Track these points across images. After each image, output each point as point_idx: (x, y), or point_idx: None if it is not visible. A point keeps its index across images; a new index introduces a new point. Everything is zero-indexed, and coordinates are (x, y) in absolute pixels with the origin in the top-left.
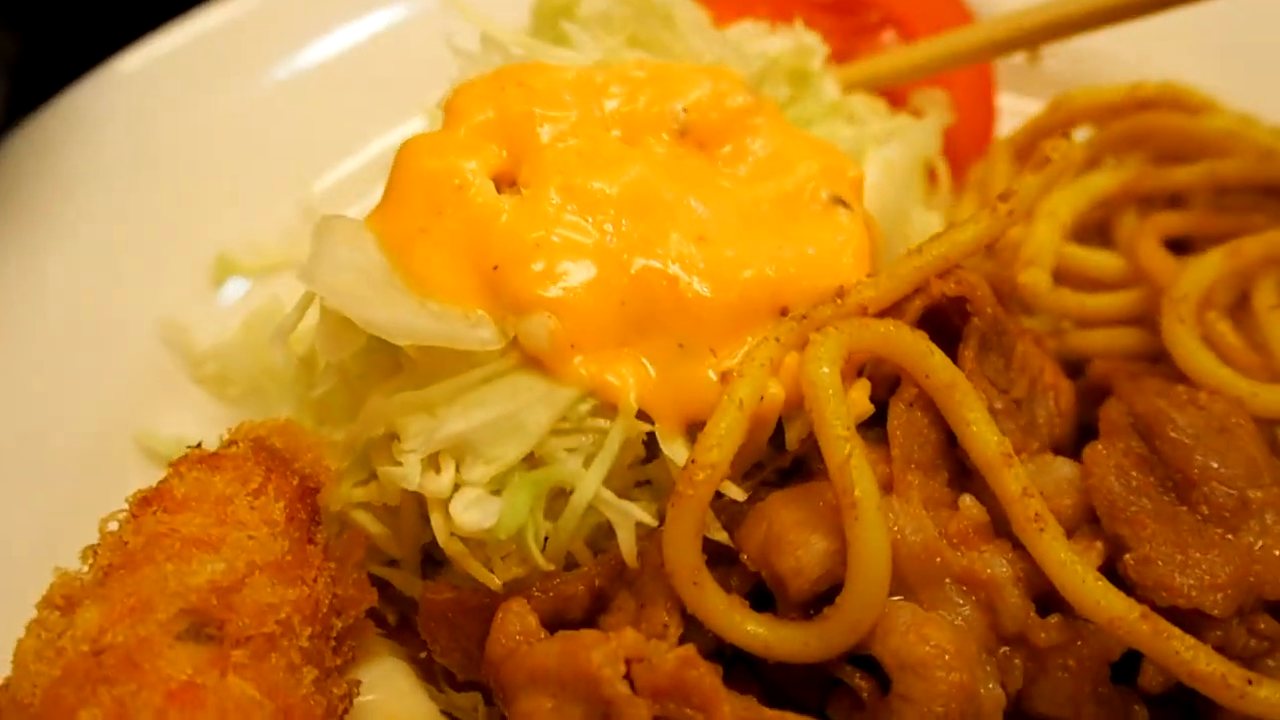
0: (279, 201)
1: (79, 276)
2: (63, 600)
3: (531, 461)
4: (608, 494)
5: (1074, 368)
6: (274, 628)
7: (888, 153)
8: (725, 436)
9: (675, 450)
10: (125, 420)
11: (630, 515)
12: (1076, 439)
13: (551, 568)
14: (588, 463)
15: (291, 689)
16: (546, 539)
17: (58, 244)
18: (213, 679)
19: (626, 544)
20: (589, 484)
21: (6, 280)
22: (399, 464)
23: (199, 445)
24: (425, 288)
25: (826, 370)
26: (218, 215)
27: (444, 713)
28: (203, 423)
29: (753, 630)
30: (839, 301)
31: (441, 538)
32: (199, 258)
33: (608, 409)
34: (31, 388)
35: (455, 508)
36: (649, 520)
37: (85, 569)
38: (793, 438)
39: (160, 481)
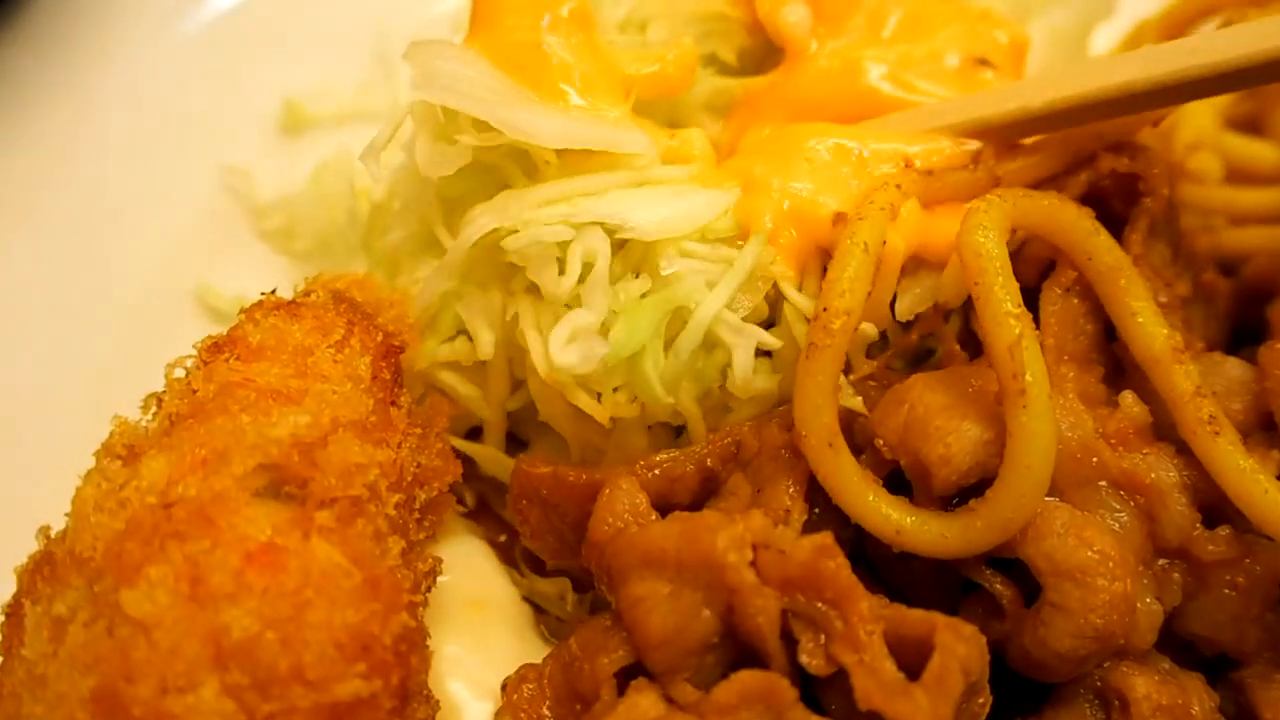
0: (353, 46)
1: (138, 118)
2: (124, 450)
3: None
4: (730, 316)
5: (1222, 268)
6: (361, 490)
7: (1053, 19)
8: (855, 280)
9: (799, 299)
10: (183, 272)
11: (751, 336)
12: (1229, 344)
13: (669, 401)
14: (711, 287)
15: (378, 559)
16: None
17: (116, 84)
18: (295, 541)
19: (744, 369)
20: (713, 302)
21: (60, 119)
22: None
23: (274, 291)
24: (557, 100)
25: (993, 239)
26: (287, 58)
27: (526, 599)
28: (266, 278)
29: (886, 512)
30: (972, 167)
31: (543, 369)
32: (265, 103)
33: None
34: (85, 234)
35: (558, 338)
36: (772, 341)
37: (148, 418)
38: (905, 308)
39: (232, 327)
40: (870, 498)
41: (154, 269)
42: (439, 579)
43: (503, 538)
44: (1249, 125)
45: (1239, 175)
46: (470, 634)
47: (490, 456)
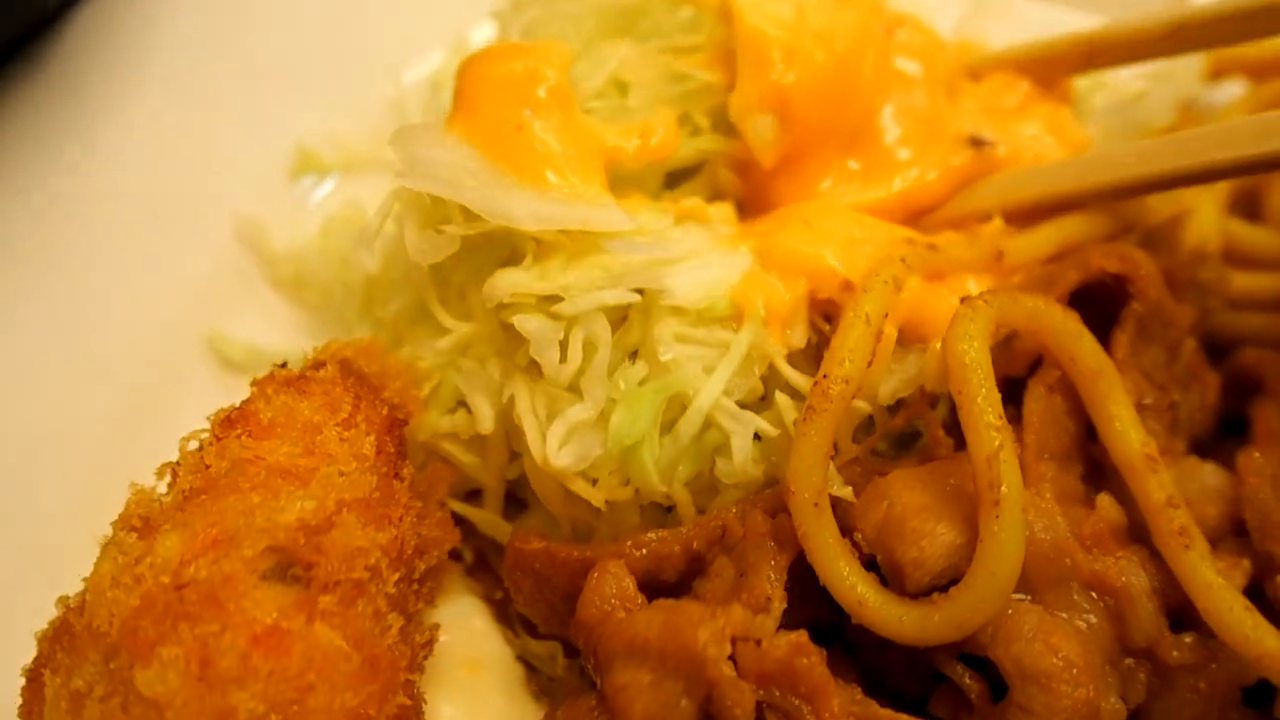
0: (366, 92)
1: (151, 164)
2: (140, 522)
3: (651, 375)
4: (728, 402)
5: (1214, 349)
6: (363, 573)
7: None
8: (855, 350)
9: (794, 376)
10: (196, 318)
11: (749, 424)
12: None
13: (664, 489)
14: (708, 372)
15: (378, 639)
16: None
17: (127, 129)
18: (299, 624)
19: (742, 454)
20: (711, 389)
21: (70, 164)
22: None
23: (284, 365)
24: (536, 181)
25: (977, 348)
26: (300, 104)
27: (519, 658)
28: (278, 327)
29: (852, 583)
30: (973, 237)
31: (536, 453)
32: (278, 149)
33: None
34: (99, 280)
35: (554, 436)
36: (769, 429)
37: (163, 487)
38: (889, 391)
39: (244, 402)
40: (841, 564)
41: (167, 316)
42: (438, 640)
43: (499, 594)
44: (1247, 201)
45: (1238, 258)
46: (465, 695)
47: (489, 521)
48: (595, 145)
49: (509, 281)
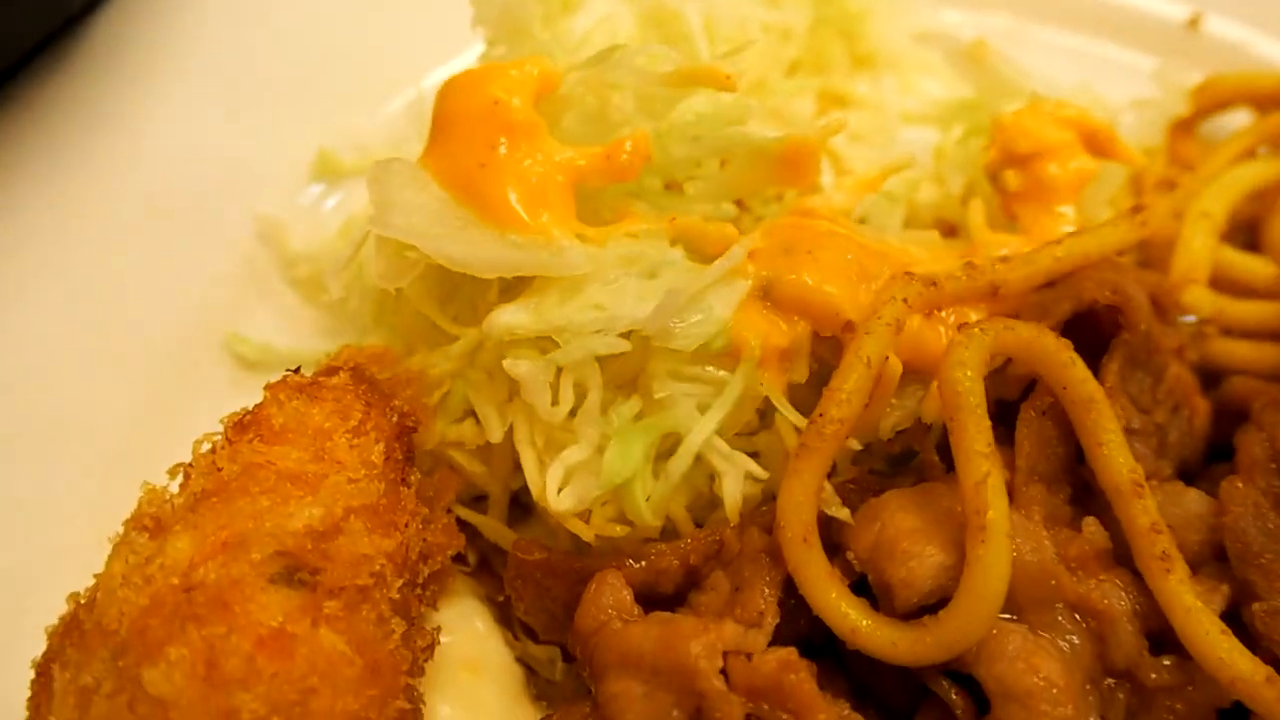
0: (387, 96)
1: (172, 165)
2: (151, 521)
3: (644, 411)
4: (719, 442)
5: (1209, 377)
6: (367, 580)
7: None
8: (854, 393)
9: (788, 409)
10: (214, 317)
11: (740, 465)
12: (1205, 459)
13: (658, 524)
14: (702, 411)
15: (380, 643)
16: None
17: (149, 129)
18: (304, 628)
19: (733, 497)
20: (703, 428)
21: (91, 163)
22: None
23: (298, 370)
24: (501, 220)
25: (970, 376)
26: (322, 107)
27: (519, 660)
28: (294, 328)
29: (844, 611)
30: (971, 273)
31: (536, 491)
32: (300, 152)
33: (729, 359)
34: (118, 277)
35: (553, 479)
36: (759, 472)
37: (175, 486)
38: (889, 426)
39: (257, 406)
40: (833, 595)
41: (185, 314)
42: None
43: (501, 597)
44: (1248, 230)
45: (1235, 287)
46: (464, 696)
47: (493, 527)
48: (562, 171)
49: (505, 323)
